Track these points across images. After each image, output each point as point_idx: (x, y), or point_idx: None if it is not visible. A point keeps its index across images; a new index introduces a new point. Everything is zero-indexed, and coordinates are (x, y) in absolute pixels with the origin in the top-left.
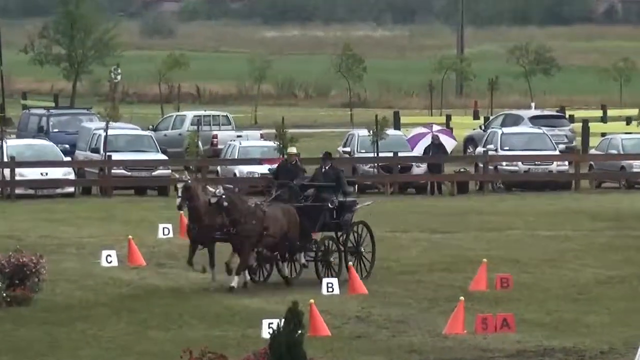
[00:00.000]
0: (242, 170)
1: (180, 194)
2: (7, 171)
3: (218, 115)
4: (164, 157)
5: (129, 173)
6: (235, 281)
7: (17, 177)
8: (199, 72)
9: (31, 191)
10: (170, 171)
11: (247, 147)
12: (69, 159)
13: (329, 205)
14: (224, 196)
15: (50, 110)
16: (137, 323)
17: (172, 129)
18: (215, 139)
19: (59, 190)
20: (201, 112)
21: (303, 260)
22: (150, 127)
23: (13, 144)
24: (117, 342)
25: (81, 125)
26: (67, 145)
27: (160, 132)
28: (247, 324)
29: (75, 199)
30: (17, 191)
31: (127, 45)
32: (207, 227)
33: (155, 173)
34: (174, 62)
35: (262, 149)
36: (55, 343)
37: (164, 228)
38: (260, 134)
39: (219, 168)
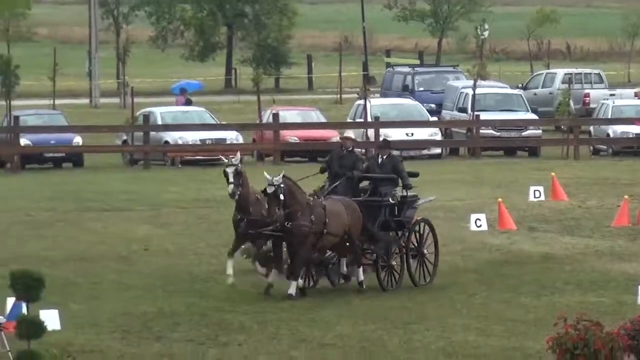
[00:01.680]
0: (615, 130)
1: (232, 180)
2: (371, 132)
3: (590, 73)
4: (534, 116)
5: (498, 133)
6: (292, 287)
7: (382, 138)
8: (570, 28)
9: (396, 152)
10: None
11: (621, 106)
12: (435, 119)
13: (390, 200)
14: (282, 185)
15: (416, 69)
16: (508, 289)
17: (542, 88)
18: (587, 98)
19: (425, 152)
20: (572, 70)
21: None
22: (520, 85)
23: (377, 104)
24: (487, 310)
25: (447, 84)
26: (432, 105)
27: (530, 91)
28: (623, 290)
29: (442, 160)
30: None
31: (494, 0)
32: (254, 220)
33: (525, 133)
34: (543, 18)
35: (636, 108)
36: (421, 310)
37: (535, 190)
38: (635, 93)
39: (591, 128)
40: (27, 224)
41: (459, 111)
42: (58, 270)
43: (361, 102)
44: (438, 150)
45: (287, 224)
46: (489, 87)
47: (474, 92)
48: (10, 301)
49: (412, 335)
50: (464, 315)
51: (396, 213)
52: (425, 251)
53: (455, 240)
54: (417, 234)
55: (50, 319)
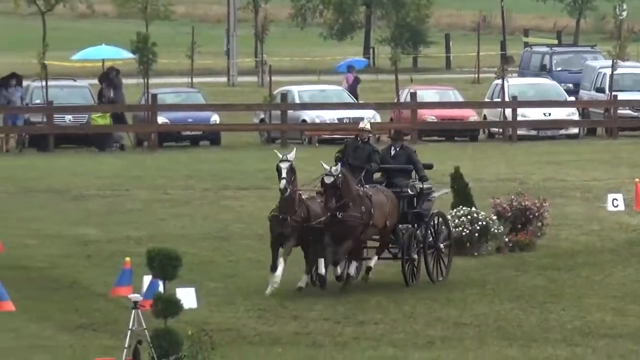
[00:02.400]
0: None
1: (284, 176)
2: (508, 111)
3: None
4: None
5: (636, 113)
6: (338, 269)
7: (519, 118)
8: None
9: (533, 132)
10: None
11: None
12: (572, 98)
13: (410, 191)
14: (340, 175)
15: (554, 48)
16: None
17: None
18: None
19: (562, 131)
20: None
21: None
22: None
23: (515, 83)
24: (624, 290)
25: (585, 64)
26: (570, 85)
27: None
28: None
29: (579, 140)
30: (519, 132)
31: None
32: (296, 221)
33: None
34: None
35: None
36: (558, 290)
37: None
38: None
39: None
40: (165, 202)
41: (596, 91)
42: (195, 248)
43: (499, 81)
44: (575, 130)
45: (339, 214)
46: (627, 67)
47: (612, 72)
48: (147, 279)
49: (549, 315)
50: (600, 295)
51: (414, 205)
52: (441, 246)
53: (592, 220)
54: (432, 228)
55: (187, 297)
